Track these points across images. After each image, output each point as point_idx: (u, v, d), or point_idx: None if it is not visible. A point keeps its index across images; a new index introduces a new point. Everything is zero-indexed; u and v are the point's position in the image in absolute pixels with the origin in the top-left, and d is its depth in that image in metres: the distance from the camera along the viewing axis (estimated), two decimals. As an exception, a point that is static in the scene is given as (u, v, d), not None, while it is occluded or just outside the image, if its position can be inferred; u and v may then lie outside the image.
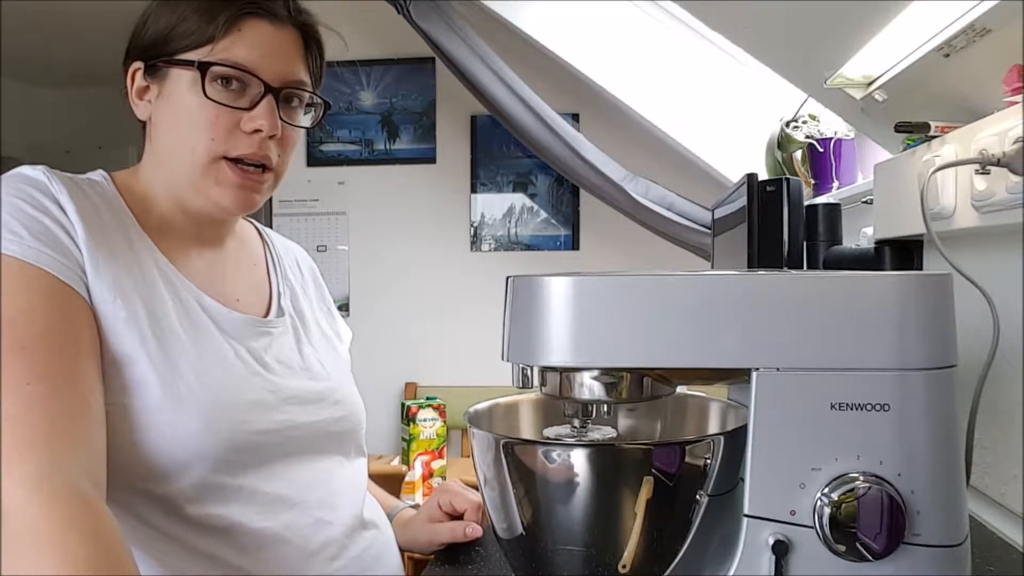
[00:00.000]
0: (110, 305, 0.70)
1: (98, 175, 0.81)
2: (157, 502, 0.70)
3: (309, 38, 0.83)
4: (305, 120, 0.85)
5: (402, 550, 0.94)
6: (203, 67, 0.75)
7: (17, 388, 0.62)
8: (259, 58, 0.77)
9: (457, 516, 0.92)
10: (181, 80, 0.76)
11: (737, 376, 0.57)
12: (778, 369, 0.55)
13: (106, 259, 0.71)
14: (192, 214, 0.81)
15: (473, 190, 3.10)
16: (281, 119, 0.79)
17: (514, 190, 3.08)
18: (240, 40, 0.76)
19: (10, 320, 0.64)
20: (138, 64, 0.79)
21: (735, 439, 0.57)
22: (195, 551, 0.71)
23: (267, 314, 0.87)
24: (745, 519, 0.55)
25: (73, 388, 0.65)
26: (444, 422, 2.11)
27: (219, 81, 0.76)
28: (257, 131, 0.77)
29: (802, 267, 1.11)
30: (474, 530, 0.89)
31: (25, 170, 0.73)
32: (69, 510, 0.59)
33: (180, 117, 0.77)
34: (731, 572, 0.55)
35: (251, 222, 0.97)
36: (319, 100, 0.85)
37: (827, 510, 0.53)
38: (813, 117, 1.74)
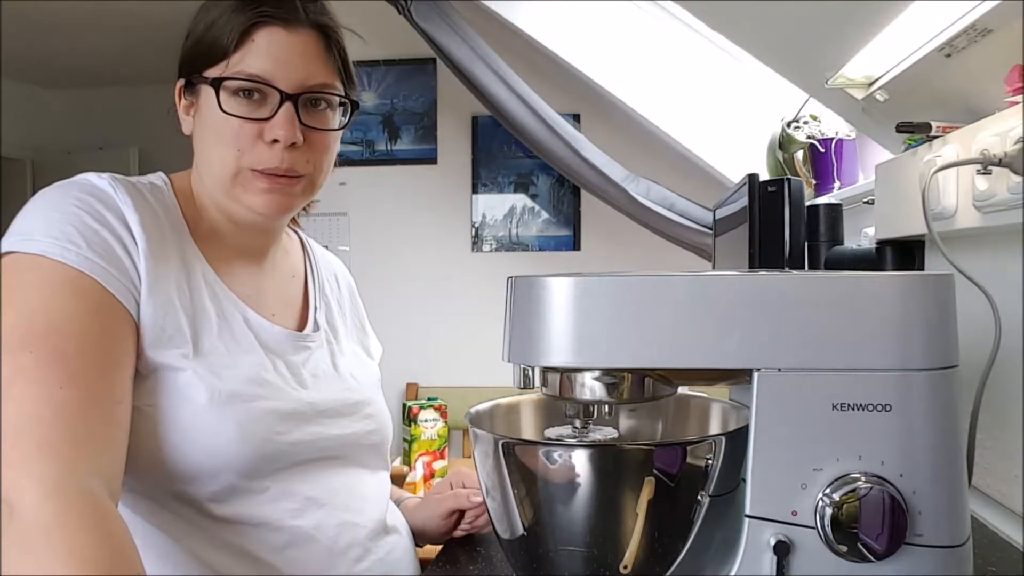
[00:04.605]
0: (161, 317, 0.72)
1: (158, 178, 0.81)
2: (189, 501, 0.72)
3: (329, 38, 0.79)
4: (336, 122, 0.82)
5: None
6: (216, 83, 0.75)
7: (49, 392, 0.63)
8: (273, 66, 0.75)
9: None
10: (209, 96, 0.77)
11: (739, 376, 0.57)
12: (779, 369, 0.55)
13: (163, 272, 0.73)
14: (238, 223, 0.82)
15: (474, 191, 3.10)
16: (304, 125, 0.77)
17: (515, 191, 3.08)
18: (253, 50, 0.75)
19: (53, 325, 0.65)
20: (180, 81, 0.80)
21: (736, 440, 0.57)
22: (229, 547, 0.73)
23: (302, 327, 0.88)
24: (746, 519, 0.55)
25: (103, 397, 0.66)
26: (445, 423, 2.10)
27: (240, 94, 0.76)
28: (276, 141, 0.76)
29: (803, 267, 1.11)
30: (477, 495, 0.90)
31: (91, 178, 0.74)
32: (82, 513, 0.59)
33: (208, 131, 0.78)
34: (732, 573, 0.55)
35: (297, 232, 0.98)
36: (349, 100, 0.81)
37: (829, 510, 0.53)
38: (814, 117, 1.74)
